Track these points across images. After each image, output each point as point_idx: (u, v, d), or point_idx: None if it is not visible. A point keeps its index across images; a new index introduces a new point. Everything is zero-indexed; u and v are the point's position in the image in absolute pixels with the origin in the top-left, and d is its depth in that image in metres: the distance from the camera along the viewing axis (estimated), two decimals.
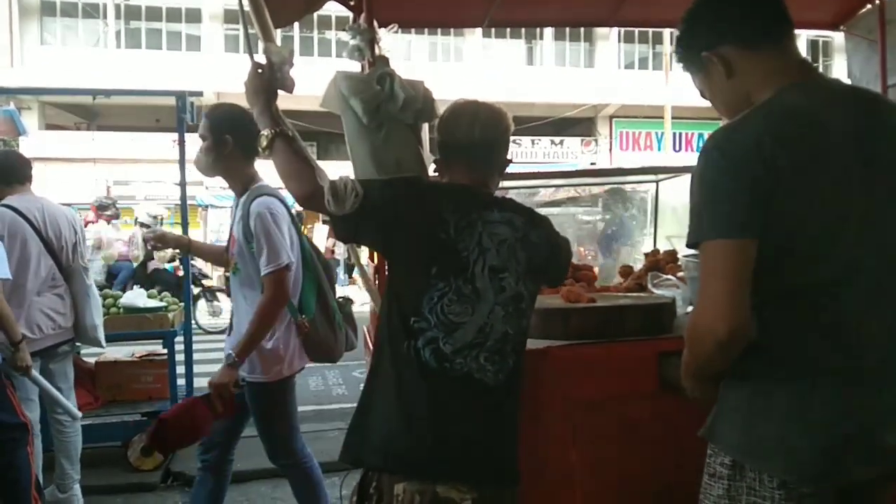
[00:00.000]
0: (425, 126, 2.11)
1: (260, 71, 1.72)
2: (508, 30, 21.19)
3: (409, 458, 1.54)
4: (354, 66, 2.38)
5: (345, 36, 2.22)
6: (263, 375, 2.68)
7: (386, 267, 1.88)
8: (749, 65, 1.40)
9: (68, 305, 3.61)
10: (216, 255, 3.17)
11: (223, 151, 2.64)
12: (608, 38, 22.23)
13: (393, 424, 1.56)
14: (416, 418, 1.54)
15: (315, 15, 17.14)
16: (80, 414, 3.63)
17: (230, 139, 2.62)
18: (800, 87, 1.36)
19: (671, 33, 21.07)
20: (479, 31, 21.14)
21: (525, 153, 20.73)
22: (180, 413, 2.61)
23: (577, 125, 22.31)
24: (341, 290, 15.71)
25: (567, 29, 21.84)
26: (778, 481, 1.28)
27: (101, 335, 3.79)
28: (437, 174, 1.86)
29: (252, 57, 1.76)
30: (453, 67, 20.21)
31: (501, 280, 1.62)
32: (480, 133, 1.72)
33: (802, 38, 23.42)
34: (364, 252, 2.90)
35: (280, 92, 1.75)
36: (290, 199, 2.63)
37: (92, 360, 4.76)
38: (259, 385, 2.70)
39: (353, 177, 1.73)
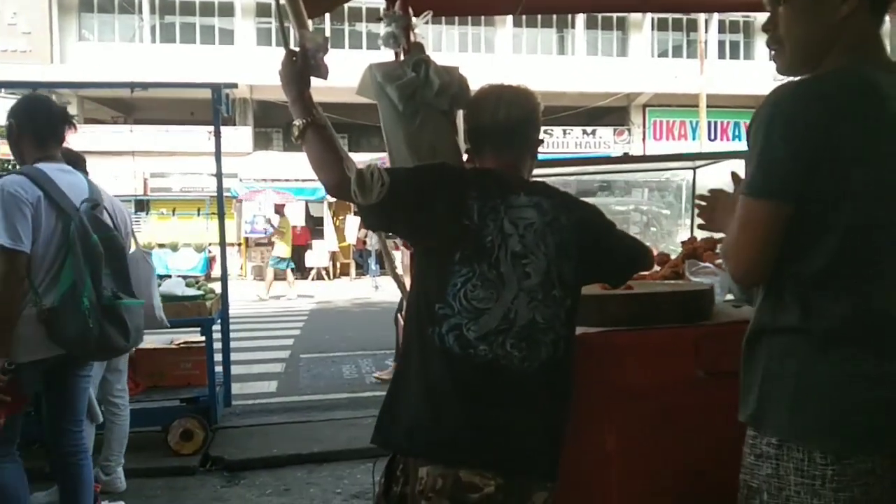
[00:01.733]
0: (460, 112, 2.11)
1: (294, 59, 1.71)
2: (539, 19, 21.05)
3: (433, 443, 1.55)
4: (388, 56, 2.38)
5: (381, 24, 2.22)
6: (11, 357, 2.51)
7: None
8: (863, 17, 1.34)
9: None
10: None
11: (11, 137, 2.74)
12: (641, 27, 21.94)
13: (419, 409, 1.57)
14: (440, 404, 1.55)
15: (346, 7, 17.19)
16: (101, 419, 3.71)
17: (13, 123, 2.71)
18: (873, 66, 1.33)
19: (706, 20, 20.75)
20: (509, 21, 21.05)
21: (557, 143, 20.58)
22: None
23: (610, 114, 22.10)
24: (374, 281, 15.74)
25: (599, 17, 21.62)
26: (831, 457, 1.28)
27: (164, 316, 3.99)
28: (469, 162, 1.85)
29: (287, 45, 1.77)
30: (484, 58, 20.15)
31: (525, 266, 1.59)
32: (505, 114, 1.70)
33: None
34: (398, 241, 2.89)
35: (313, 83, 1.75)
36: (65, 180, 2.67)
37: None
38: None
39: (386, 164, 1.73)
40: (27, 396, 2.61)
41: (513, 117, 1.71)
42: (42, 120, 2.78)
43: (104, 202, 3.63)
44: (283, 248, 14.42)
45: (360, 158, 1.68)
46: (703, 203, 1.69)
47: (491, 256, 1.58)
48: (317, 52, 1.71)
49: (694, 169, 3.32)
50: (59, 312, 2.54)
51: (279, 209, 16.00)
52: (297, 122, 1.66)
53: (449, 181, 1.66)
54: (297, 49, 1.73)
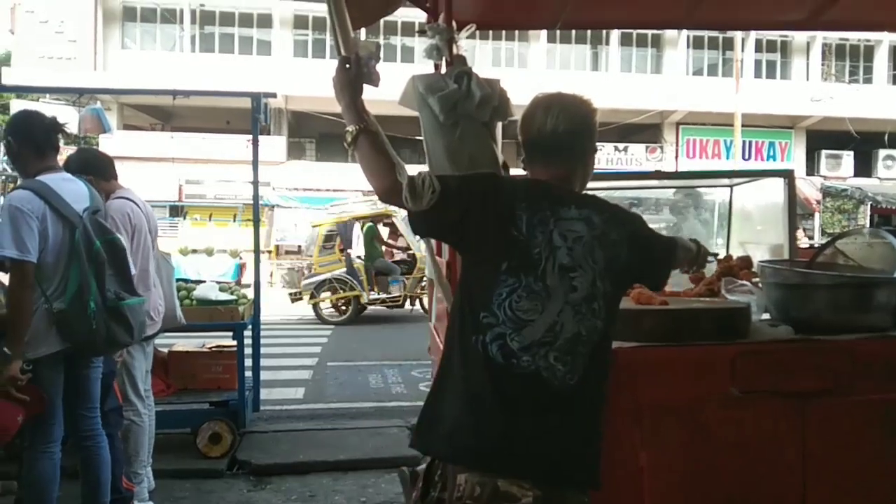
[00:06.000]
0: (499, 124, 2.13)
1: (347, 66, 1.72)
2: (574, 35, 21.06)
3: (472, 450, 1.55)
4: (425, 68, 2.41)
5: (416, 38, 2.26)
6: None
7: (458, 262, 1.90)
8: None
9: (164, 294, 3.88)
10: None
11: (11, 153, 2.93)
12: (676, 44, 21.83)
13: (459, 416, 1.57)
14: (481, 412, 1.55)
15: (381, 21, 17.38)
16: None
17: (12, 141, 2.88)
18: None
19: (742, 39, 20.51)
20: (543, 37, 21.07)
21: None
22: None
23: (643, 131, 21.96)
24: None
25: (634, 34, 21.56)
26: None
27: (182, 315, 4.10)
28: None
29: (340, 52, 1.79)
30: (517, 73, 20.19)
31: (573, 279, 1.59)
32: (552, 125, 1.69)
33: (884, 44, 22.50)
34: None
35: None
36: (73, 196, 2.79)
37: (165, 350, 4.95)
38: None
39: (430, 173, 1.75)
40: (48, 397, 2.77)
41: (561, 129, 1.69)
42: (40, 134, 2.92)
43: (140, 205, 3.72)
44: None
45: None
46: None
47: (538, 268, 1.58)
48: (369, 59, 1.73)
49: (731, 187, 3.29)
50: (67, 315, 2.74)
51: None
52: (349, 129, 1.67)
53: (499, 191, 1.66)
54: (350, 56, 1.74)
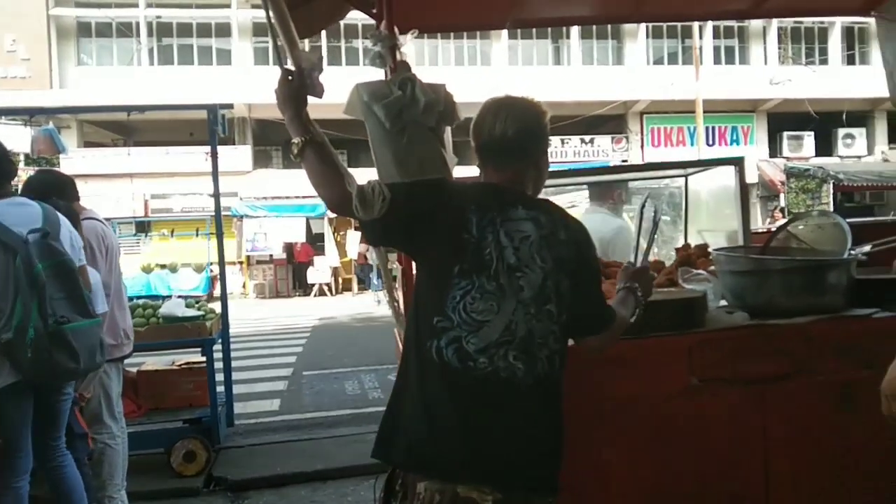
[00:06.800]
0: (448, 129, 2.13)
1: (290, 78, 1.70)
2: (535, 31, 21.16)
3: (430, 458, 1.55)
4: (379, 75, 2.40)
5: (367, 43, 2.25)
6: None
7: (413, 269, 1.90)
8: None
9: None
10: None
11: None
12: (636, 35, 22.04)
13: (417, 424, 1.57)
14: (438, 418, 1.55)
15: (342, 24, 17.27)
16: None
17: None
18: None
19: (700, 27, 20.72)
20: (505, 34, 21.13)
21: (555, 153, 20.62)
22: None
23: (608, 123, 22.15)
24: (376, 295, 15.70)
25: (594, 27, 21.73)
26: None
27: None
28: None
29: (282, 64, 1.78)
30: (480, 71, 20.24)
31: (518, 279, 1.59)
32: (501, 129, 1.70)
33: (837, 26, 22.95)
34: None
35: (310, 100, 1.75)
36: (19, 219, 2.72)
37: (133, 369, 4.88)
38: None
39: (379, 181, 1.74)
40: (6, 432, 2.72)
41: (510, 132, 1.69)
42: None
43: (105, 224, 3.67)
44: None
45: (359, 173, 1.67)
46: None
47: (490, 269, 1.59)
48: (312, 70, 1.71)
49: (686, 176, 3.34)
50: (14, 344, 2.66)
51: None
52: (295, 141, 1.65)
53: (449, 195, 1.68)
54: (292, 68, 1.72)
